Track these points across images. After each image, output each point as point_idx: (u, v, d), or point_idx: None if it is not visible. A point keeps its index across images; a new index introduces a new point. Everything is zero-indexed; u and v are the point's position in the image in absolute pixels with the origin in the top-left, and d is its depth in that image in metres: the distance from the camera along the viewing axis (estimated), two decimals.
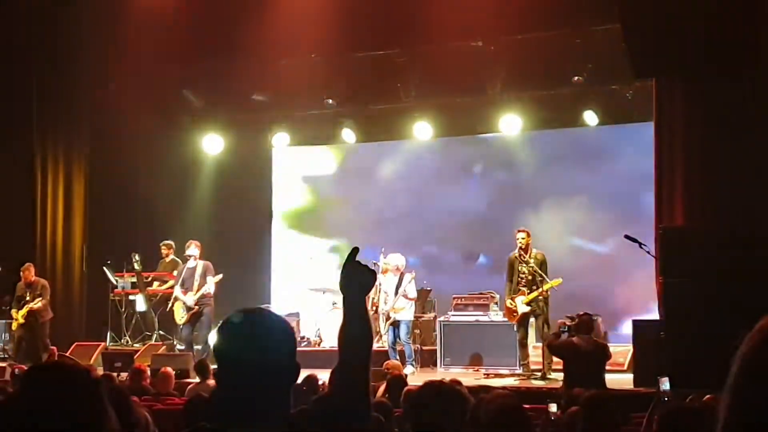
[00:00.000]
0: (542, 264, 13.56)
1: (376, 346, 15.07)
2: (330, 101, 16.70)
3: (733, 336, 1.91)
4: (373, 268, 2.97)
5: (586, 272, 16.39)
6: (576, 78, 15.02)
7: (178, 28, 15.67)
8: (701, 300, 11.17)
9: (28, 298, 15.41)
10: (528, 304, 13.43)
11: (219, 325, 2.66)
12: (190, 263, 14.88)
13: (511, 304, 13.62)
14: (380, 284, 14.62)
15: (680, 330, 11.25)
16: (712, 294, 11.06)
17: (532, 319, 13.67)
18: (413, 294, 14.64)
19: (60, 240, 16.79)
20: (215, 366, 2.64)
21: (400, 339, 14.44)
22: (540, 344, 13.57)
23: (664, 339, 11.43)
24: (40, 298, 15.39)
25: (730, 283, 11.03)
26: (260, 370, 2.52)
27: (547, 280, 13.35)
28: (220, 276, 14.87)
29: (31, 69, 16.35)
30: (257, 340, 2.56)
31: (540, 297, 13.38)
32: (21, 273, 15.55)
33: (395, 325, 14.42)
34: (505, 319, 14.11)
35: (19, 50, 16.38)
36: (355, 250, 2.95)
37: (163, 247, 16.87)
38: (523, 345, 13.74)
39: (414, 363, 14.52)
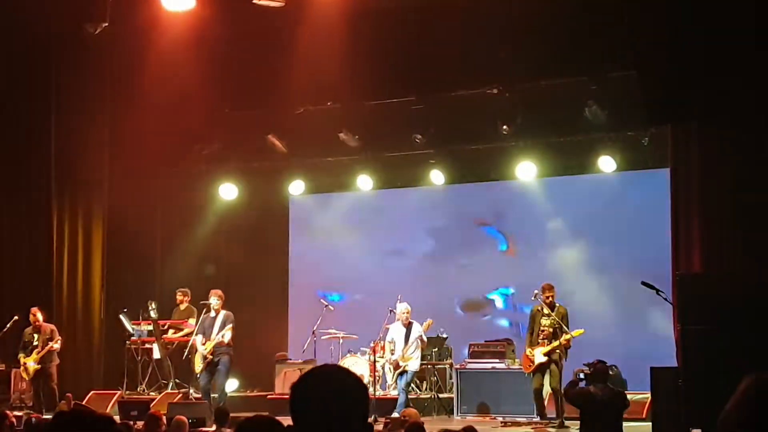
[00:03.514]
0: (563, 317, 13.54)
1: (390, 394, 15.01)
2: (345, 137, 16.69)
3: None
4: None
5: (603, 319, 16.30)
6: (588, 102, 14.89)
7: (194, 80, 15.80)
8: (720, 347, 11.07)
9: (36, 344, 15.02)
10: (546, 354, 13.37)
11: (297, 379, 2.64)
12: (212, 313, 14.71)
13: (530, 354, 13.57)
14: (387, 333, 14.74)
15: (699, 377, 11.15)
16: (730, 341, 10.97)
17: (551, 366, 13.60)
18: (425, 338, 14.70)
19: (80, 288, 16.80)
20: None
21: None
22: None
23: (682, 386, 11.34)
24: (53, 341, 15.01)
25: (749, 330, 10.95)
26: (338, 427, 2.51)
27: (568, 331, 13.31)
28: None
29: (50, 119, 16.50)
30: (337, 396, 2.57)
31: (561, 345, 13.35)
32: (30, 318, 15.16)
33: (403, 373, 14.44)
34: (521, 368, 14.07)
35: (39, 101, 16.56)
36: None
37: (178, 294, 16.82)
38: (539, 393, 13.67)
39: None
